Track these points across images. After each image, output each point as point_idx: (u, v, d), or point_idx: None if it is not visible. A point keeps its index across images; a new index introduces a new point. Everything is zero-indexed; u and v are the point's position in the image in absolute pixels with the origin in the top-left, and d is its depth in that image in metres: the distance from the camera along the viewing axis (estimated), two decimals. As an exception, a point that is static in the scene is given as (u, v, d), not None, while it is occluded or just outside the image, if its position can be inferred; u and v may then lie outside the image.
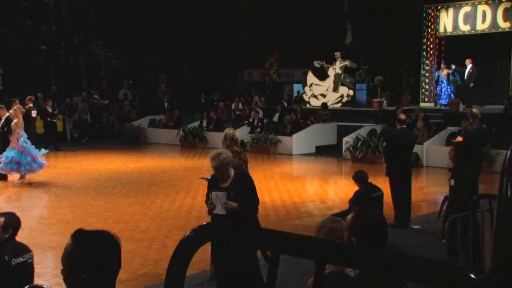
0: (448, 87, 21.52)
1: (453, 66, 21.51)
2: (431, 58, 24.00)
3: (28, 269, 4.73)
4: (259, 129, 20.27)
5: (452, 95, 21.37)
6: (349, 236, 2.58)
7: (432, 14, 23.73)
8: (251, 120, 21.14)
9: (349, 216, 2.71)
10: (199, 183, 11.31)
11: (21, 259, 4.65)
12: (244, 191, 5.78)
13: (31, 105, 16.88)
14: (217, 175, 5.87)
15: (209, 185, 6.00)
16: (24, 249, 4.77)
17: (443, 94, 21.74)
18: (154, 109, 25.66)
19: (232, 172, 5.85)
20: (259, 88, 27.51)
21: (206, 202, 5.99)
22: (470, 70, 20.30)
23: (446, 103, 20.43)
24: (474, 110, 12.41)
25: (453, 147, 7.69)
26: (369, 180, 8.57)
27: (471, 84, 20.19)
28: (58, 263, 8.26)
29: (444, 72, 21.54)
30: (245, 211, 5.71)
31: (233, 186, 5.79)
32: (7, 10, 27.13)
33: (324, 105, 21.15)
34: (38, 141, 15.76)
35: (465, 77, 20.46)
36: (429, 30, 23.85)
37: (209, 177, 7.14)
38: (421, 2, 23.64)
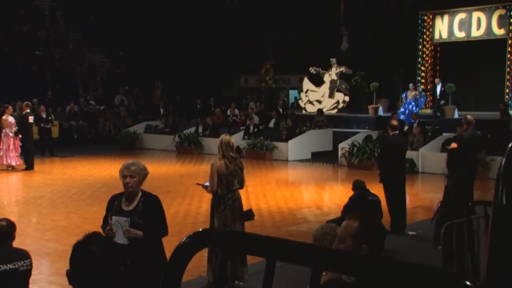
0: (414, 108, 20.24)
1: (420, 89, 21.66)
2: (426, 64, 24.12)
3: (19, 277, 4.50)
4: (261, 133, 20.23)
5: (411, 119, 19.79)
6: (356, 243, 2.54)
7: (428, 20, 23.86)
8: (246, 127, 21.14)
9: (355, 223, 2.60)
10: (194, 189, 11.31)
11: (10, 266, 4.40)
12: (152, 217, 4.87)
13: (28, 110, 16.78)
14: (124, 188, 4.85)
15: (108, 206, 4.96)
16: (17, 256, 4.53)
17: (406, 113, 20.19)
18: (150, 115, 25.64)
19: (140, 193, 4.92)
20: (255, 94, 27.55)
21: (102, 226, 4.87)
22: (442, 89, 20.20)
23: (406, 120, 19.39)
24: (469, 116, 12.40)
25: (447, 154, 7.72)
26: (367, 188, 8.61)
27: (442, 102, 20.04)
28: (53, 269, 8.14)
29: (412, 93, 20.57)
30: (152, 240, 4.82)
31: (139, 210, 4.84)
32: (3, 16, 27.10)
33: (320, 111, 21.18)
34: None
35: (438, 96, 20.40)
36: (425, 36, 23.98)
37: (205, 183, 7.07)
38: (417, 8, 23.77)
